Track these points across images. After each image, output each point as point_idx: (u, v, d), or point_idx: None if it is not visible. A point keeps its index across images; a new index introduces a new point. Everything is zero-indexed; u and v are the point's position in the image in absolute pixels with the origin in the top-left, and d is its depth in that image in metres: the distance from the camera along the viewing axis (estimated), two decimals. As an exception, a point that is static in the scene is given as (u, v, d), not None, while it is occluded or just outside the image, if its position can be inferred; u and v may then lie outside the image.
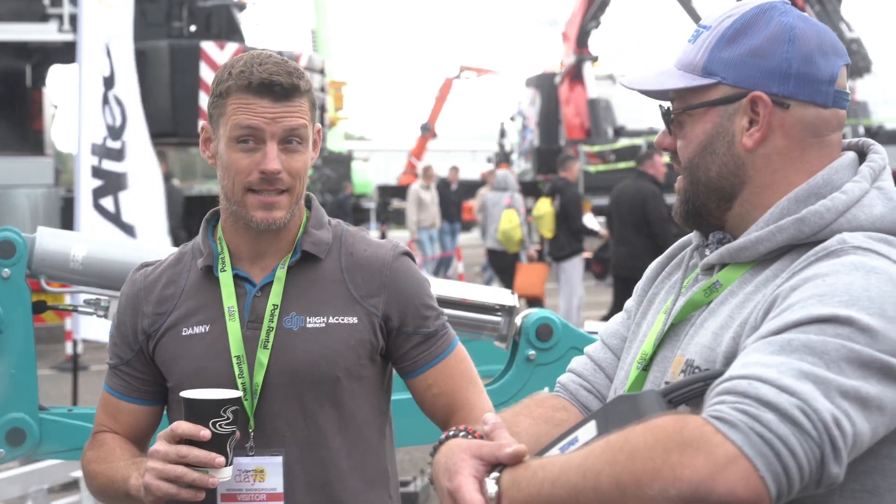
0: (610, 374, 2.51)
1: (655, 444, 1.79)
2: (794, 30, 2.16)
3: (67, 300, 4.47)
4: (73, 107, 8.73)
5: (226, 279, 2.97)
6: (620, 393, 2.33)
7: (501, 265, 18.85)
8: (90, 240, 4.15)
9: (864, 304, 1.90)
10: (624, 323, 2.55)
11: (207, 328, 2.96)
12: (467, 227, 56.90)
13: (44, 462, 7.17)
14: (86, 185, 8.60)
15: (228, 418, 2.68)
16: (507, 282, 17.76)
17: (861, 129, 30.76)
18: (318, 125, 3.06)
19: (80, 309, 4.13)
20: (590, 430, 2.04)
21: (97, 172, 8.64)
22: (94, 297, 4.07)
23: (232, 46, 21.24)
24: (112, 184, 8.69)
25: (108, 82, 8.76)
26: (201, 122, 3.01)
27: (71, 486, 7.95)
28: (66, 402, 10.66)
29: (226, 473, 2.71)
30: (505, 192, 18.97)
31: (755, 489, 1.74)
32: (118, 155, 8.73)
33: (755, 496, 1.74)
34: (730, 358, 2.03)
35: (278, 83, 2.86)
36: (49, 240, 4.03)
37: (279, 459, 2.92)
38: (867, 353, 1.86)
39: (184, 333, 2.97)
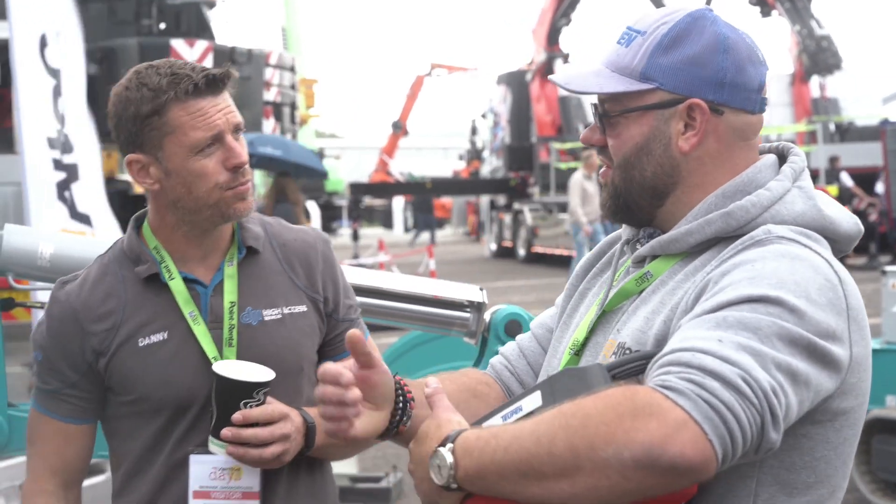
0: (531, 361, 2.66)
1: (607, 410, 1.88)
2: (728, 40, 2.28)
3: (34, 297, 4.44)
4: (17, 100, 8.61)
5: (177, 286, 2.91)
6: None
7: None
8: (58, 237, 4.13)
9: (791, 287, 2.03)
10: (553, 317, 2.67)
11: (166, 335, 2.89)
12: (440, 224, 57.06)
13: (13, 459, 7.15)
14: (48, 178, 8.54)
15: (259, 400, 2.72)
16: None
17: (832, 126, 30.87)
18: None
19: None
20: (534, 399, 2.10)
21: (59, 165, 8.61)
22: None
23: (202, 44, 21.22)
24: (71, 176, 8.67)
25: (57, 74, 8.73)
26: (126, 157, 2.88)
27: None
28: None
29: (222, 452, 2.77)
30: None
31: (703, 451, 1.84)
32: (70, 147, 8.71)
33: (703, 458, 1.84)
34: (661, 340, 2.16)
35: (220, 75, 2.82)
36: (17, 237, 4.00)
37: None
38: (796, 331, 1.99)
39: (140, 344, 2.89)
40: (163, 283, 2.91)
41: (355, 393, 2.31)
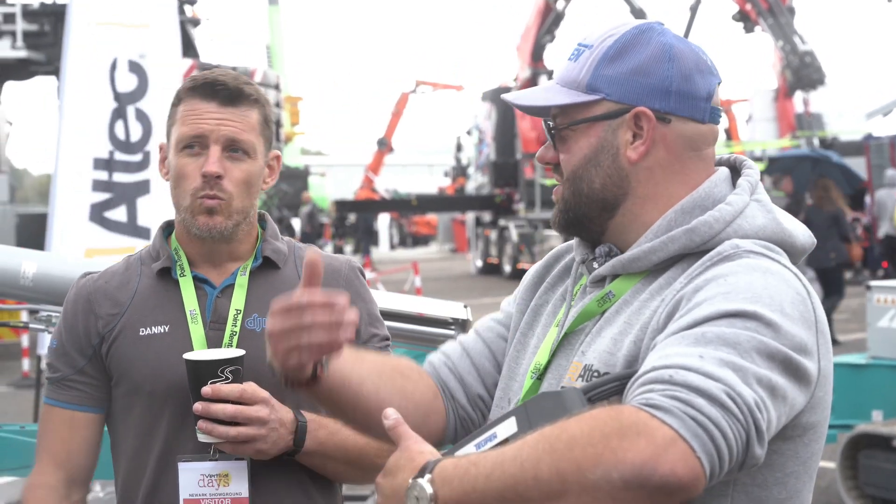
0: (476, 361, 2.58)
1: (593, 431, 1.82)
2: (674, 49, 2.28)
3: (24, 317, 4.43)
4: (37, 123, 8.69)
5: (186, 283, 2.97)
6: (514, 402, 2.39)
7: None
8: (41, 256, 4.11)
9: (766, 301, 2.02)
10: (502, 322, 2.62)
11: (167, 328, 2.94)
12: (425, 241, 57.09)
13: (-2, 480, 7.12)
14: (83, 199, 8.55)
15: (227, 378, 2.75)
16: None
17: (816, 141, 30.96)
18: (278, 151, 3.10)
19: (31, 326, 4.09)
20: (509, 426, 2.05)
21: (103, 186, 8.60)
22: (45, 313, 4.04)
23: (186, 62, 21.18)
24: (127, 194, 8.65)
25: (130, 97, 8.74)
26: (160, 142, 3.02)
27: (25, 505, 7.88)
28: (23, 419, 10.59)
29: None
30: (893, 188, 23.23)
31: (693, 469, 1.81)
32: (138, 167, 8.71)
33: (693, 476, 1.81)
34: (630, 361, 2.14)
35: (222, 83, 2.90)
36: (-1, 257, 3.98)
37: (244, 464, 2.88)
38: (773, 345, 1.97)
39: (141, 333, 2.94)
40: (175, 280, 2.98)
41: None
